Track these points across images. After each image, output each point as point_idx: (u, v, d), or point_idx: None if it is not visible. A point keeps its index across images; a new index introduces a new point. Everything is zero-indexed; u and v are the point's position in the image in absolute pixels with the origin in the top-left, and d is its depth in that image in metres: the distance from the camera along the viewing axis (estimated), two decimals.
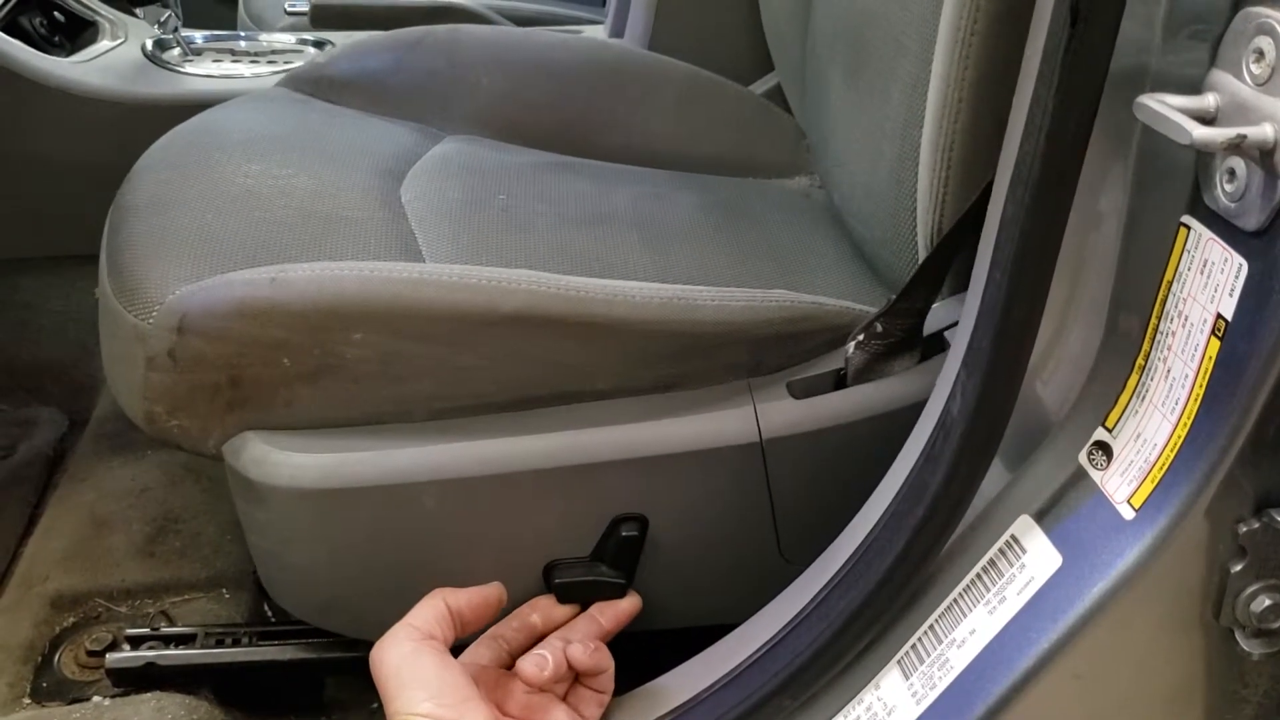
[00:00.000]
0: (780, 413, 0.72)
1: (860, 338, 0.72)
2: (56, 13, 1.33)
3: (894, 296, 0.71)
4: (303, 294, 0.66)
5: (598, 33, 1.49)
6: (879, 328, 0.71)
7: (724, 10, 1.19)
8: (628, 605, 0.74)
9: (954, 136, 0.67)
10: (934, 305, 0.73)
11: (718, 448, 0.71)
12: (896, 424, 0.71)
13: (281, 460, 0.68)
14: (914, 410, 0.70)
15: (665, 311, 0.69)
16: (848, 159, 0.85)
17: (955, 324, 0.74)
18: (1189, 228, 0.48)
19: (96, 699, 0.82)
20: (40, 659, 0.88)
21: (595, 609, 0.74)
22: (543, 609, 0.73)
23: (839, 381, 0.74)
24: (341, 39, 1.37)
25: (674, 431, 0.71)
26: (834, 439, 0.73)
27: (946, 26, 0.65)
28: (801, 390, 0.73)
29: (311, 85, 1.01)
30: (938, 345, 0.74)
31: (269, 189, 0.79)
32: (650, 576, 0.75)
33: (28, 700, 0.84)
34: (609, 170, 0.97)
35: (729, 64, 1.22)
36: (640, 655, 0.81)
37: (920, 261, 0.72)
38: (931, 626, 0.58)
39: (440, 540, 0.72)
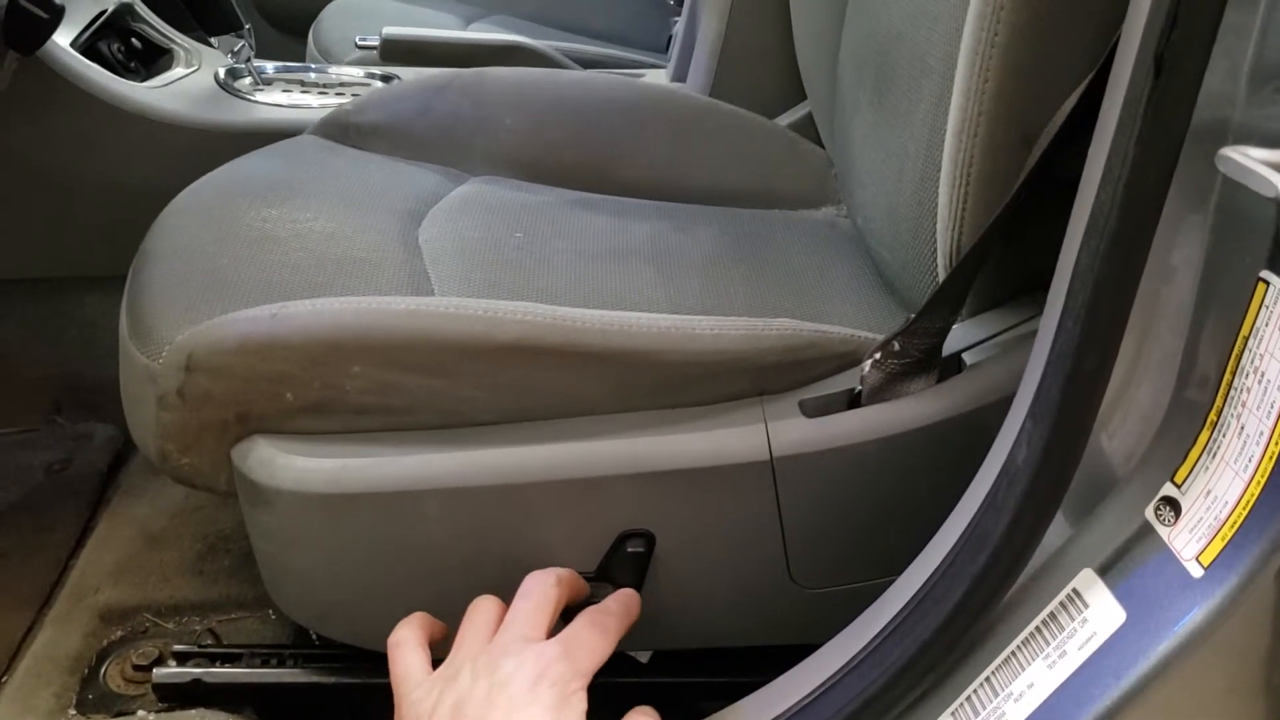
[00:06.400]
0: (792, 431, 0.70)
1: (877, 356, 0.70)
2: (134, 39, 1.37)
3: (912, 315, 0.69)
4: (301, 327, 0.68)
5: (660, 77, 1.51)
6: (896, 346, 0.70)
7: (787, 55, 1.20)
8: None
9: (973, 151, 0.66)
10: (954, 326, 0.72)
11: (727, 465, 0.70)
12: (911, 446, 0.70)
13: (287, 464, 0.69)
14: (929, 432, 0.70)
15: (662, 341, 0.69)
16: (871, 182, 0.85)
17: (975, 345, 0.73)
18: (1268, 283, 0.48)
19: (141, 713, 0.83)
20: (87, 671, 0.88)
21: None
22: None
23: (853, 401, 0.72)
24: (410, 74, 1.39)
25: (683, 447, 0.70)
26: (847, 459, 0.71)
27: (968, 39, 0.64)
28: (814, 409, 0.72)
29: (340, 131, 1.03)
30: (955, 367, 0.73)
31: (286, 233, 0.81)
32: (656, 595, 0.74)
33: (73, 711, 0.85)
34: (630, 206, 0.98)
35: (790, 109, 1.23)
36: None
37: (940, 282, 0.71)
38: (988, 679, 0.57)
39: (443, 550, 0.72)
